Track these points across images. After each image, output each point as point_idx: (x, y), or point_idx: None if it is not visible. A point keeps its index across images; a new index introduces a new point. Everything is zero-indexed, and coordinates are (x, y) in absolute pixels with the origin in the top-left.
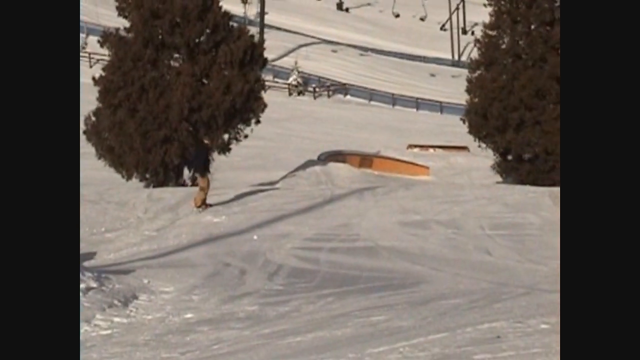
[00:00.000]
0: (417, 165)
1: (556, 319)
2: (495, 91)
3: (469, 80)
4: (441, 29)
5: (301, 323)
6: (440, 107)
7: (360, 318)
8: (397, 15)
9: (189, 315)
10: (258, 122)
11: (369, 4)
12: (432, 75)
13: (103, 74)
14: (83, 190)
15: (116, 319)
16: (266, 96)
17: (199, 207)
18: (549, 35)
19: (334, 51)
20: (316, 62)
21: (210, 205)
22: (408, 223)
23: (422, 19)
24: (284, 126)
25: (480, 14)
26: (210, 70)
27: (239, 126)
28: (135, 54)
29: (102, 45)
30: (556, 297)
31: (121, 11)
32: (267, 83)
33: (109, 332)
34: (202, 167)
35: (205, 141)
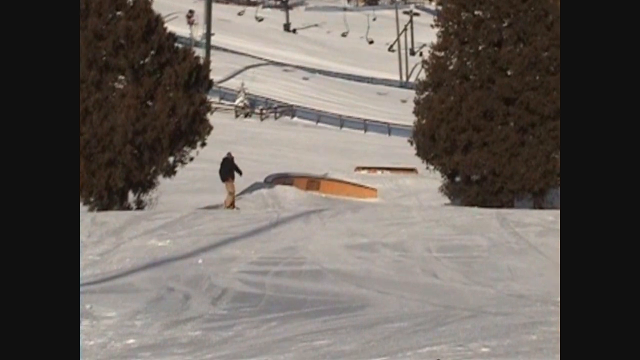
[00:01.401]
0: (364, 187)
1: (496, 342)
2: (443, 112)
3: (416, 102)
4: (389, 49)
5: (244, 348)
6: (388, 128)
7: (304, 342)
8: (344, 35)
9: (131, 341)
10: (204, 144)
11: (316, 25)
12: (380, 94)
13: None
14: None
15: None
16: (212, 118)
17: (228, 207)
18: (496, 56)
19: (284, 71)
20: (263, 83)
21: (238, 208)
22: (355, 246)
23: (370, 42)
24: (231, 148)
25: (428, 35)
26: (155, 92)
27: (184, 149)
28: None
29: None
30: (501, 320)
31: None
32: (213, 105)
33: None
34: (229, 174)
35: (229, 152)
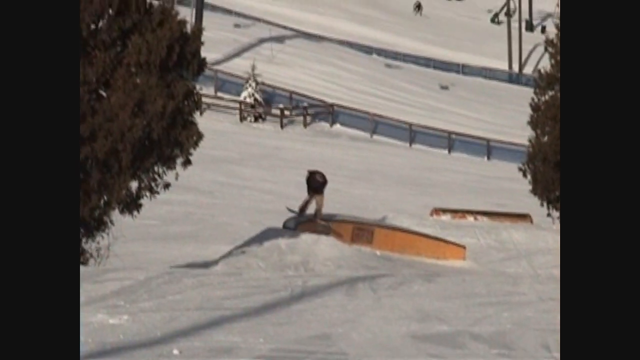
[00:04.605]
0: (446, 242)
1: None
2: None
3: (534, 107)
4: (492, 20)
5: None
6: (488, 147)
7: None
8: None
9: None
10: (188, 162)
11: None
12: (475, 92)
13: None
14: None
15: None
16: (203, 121)
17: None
18: None
19: (320, 48)
20: (287, 67)
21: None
22: (428, 337)
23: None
24: (232, 171)
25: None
26: (111, 75)
27: (155, 169)
28: None
29: None
30: None
31: None
32: (205, 99)
33: None
34: (315, 189)
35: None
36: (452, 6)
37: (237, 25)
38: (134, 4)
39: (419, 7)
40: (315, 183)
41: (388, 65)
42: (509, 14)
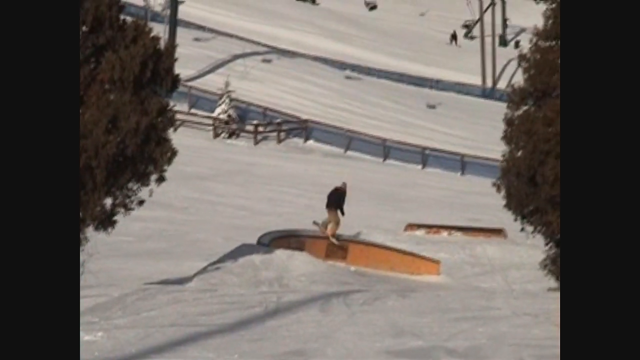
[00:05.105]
0: (420, 257)
1: None
2: (551, 140)
3: (508, 121)
4: (466, 36)
5: None
6: (462, 163)
7: None
8: (373, 7)
9: None
10: (162, 179)
11: None
12: (449, 107)
13: None
14: None
15: None
16: (177, 137)
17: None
18: None
19: (295, 64)
20: (260, 83)
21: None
22: (403, 352)
23: (467, 27)
24: (205, 187)
25: (528, 15)
26: (86, 91)
27: (129, 185)
28: None
29: None
30: None
31: None
32: (179, 116)
33: None
34: (337, 205)
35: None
36: (425, 21)
37: (197, 39)
38: (108, 21)
39: (454, 37)
40: (328, 198)
41: (357, 79)
42: (482, 29)
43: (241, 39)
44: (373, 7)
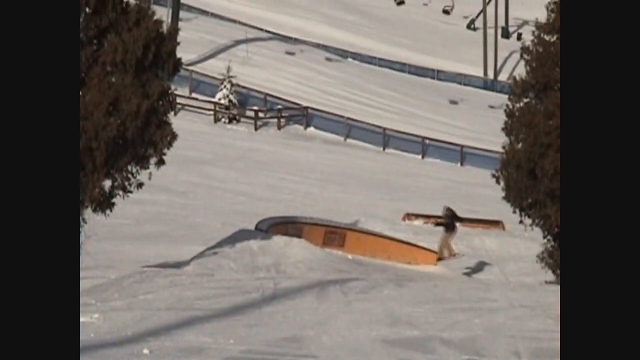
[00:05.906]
0: (417, 247)
1: None
2: (551, 133)
3: (509, 113)
4: (468, 27)
5: None
6: (461, 154)
7: None
8: (400, 2)
9: None
10: (161, 162)
11: None
12: (453, 102)
13: None
14: None
15: None
16: (177, 121)
17: (440, 259)
18: None
19: (292, 53)
20: (262, 69)
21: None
22: (398, 341)
23: (446, 12)
24: (205, 172)
25: (531, 7)
26: (87, 73)
27: (129, 168)
28: None
29: None
30: None
31: None
32: (179, 100)
33: None
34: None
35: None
36: (428, 12)
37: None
38: (111, 3)
39: (446, 12)
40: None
41: (358, 68)
42: (485, 21)
43: (244, 24)
44: (401, 2)
